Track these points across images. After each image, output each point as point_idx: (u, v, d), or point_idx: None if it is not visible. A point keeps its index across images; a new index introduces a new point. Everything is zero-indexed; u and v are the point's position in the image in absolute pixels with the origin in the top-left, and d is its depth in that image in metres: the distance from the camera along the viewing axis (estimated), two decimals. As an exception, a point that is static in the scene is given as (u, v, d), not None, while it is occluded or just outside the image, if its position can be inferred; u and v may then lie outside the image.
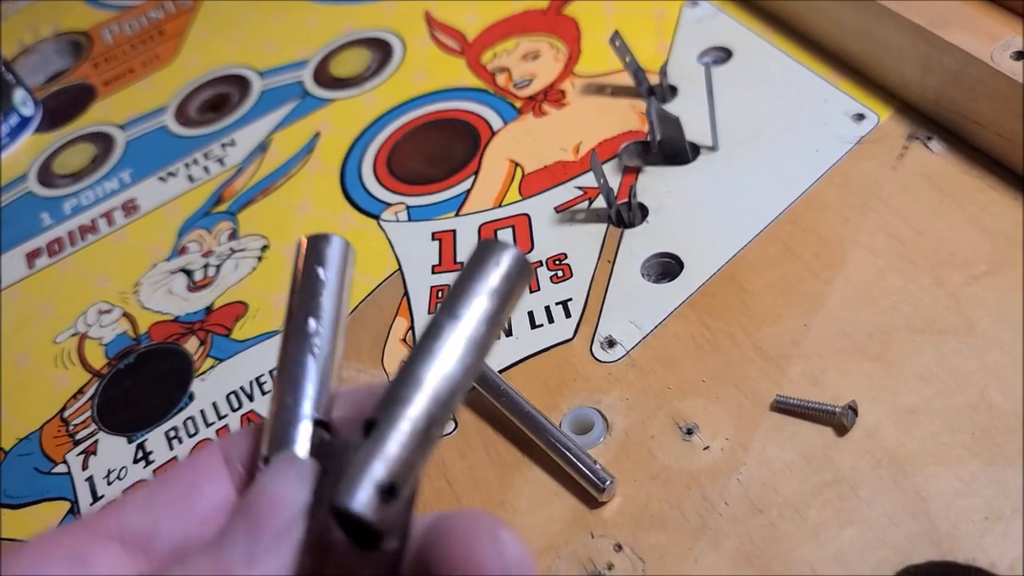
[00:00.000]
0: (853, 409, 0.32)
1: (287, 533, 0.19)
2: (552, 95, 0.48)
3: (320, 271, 0.22)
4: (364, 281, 0.42)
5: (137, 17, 0.64)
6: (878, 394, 0.33)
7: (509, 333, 0.38)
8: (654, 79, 0.46)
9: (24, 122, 0.57)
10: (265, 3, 0.61)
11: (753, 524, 0.31)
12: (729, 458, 0.33)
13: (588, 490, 0.33)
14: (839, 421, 0.32)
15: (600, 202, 0.42)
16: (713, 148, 0.43)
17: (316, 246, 0.23)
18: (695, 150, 0.43)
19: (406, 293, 0.41)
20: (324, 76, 0.54)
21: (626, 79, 0.47)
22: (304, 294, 0.22)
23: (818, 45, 0.46)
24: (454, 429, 0.36)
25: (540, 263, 0.41)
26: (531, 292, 0.40)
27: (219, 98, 0.55)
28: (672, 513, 0.32)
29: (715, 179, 0.42)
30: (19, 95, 0.57)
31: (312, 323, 0.22)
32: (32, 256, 0.49)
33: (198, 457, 0.23)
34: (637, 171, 0.43)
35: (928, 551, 0.29)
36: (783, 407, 0.34)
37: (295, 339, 0.22)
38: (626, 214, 0.41)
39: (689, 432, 0.34)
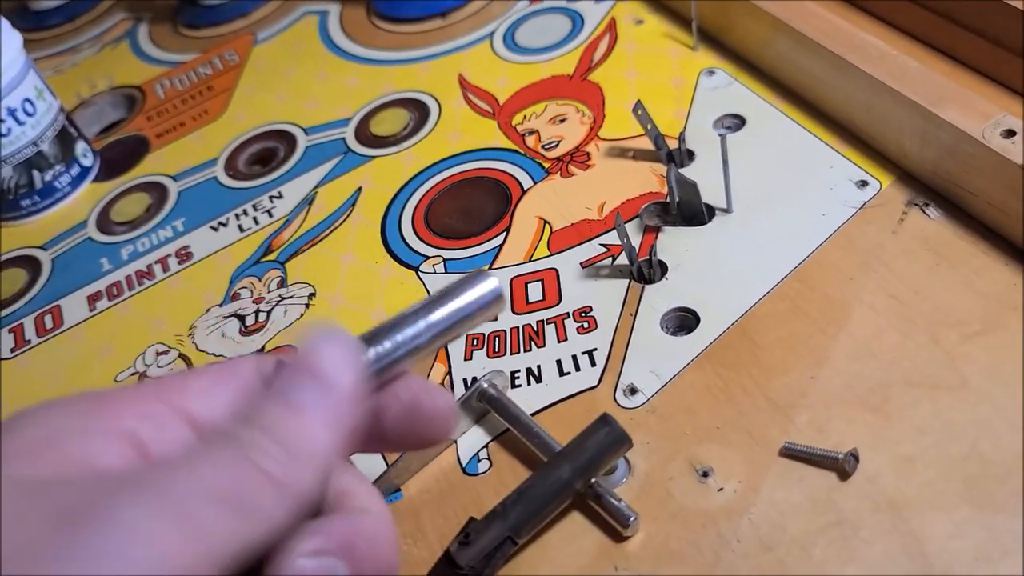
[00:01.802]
0: (855, 456, 0.36)
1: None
2: (578, 157, 0.52)
3: (460, 295, 0.26)
4: (404, 328, 0.46)
5: (187, 73, 0.68)
6: (878, 443, 0.36)
7: (539, 380, 0.42)
8: (673, 144, 0.50)
9: (84, 172, 0.61)
10: (308, 62, 0.65)
11: (763, 561, 0.34)
12: (741, 499, 0.36)
13: (613, 526, 0.36)
14: (842, 467, 0.36)
15: (623, 259, 0.46)
16: (727, 210, 0.46)
17: (472, 278, 0.27)
18: (711, 212, 0.46)
19: (443, 341, 0.45)
20: (365, 134, 0.58)
21: (647, 143, 0.50)
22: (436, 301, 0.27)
23: (825, 115, 0.49)
24: (489, 468, 0.40)
25: (567, 315, 0.44)
26: (559, 342, 0.43)
27: (266, 152, 0.59)
28: (689, 549, 0.35)
29: (729, 239, 0.45)
30: (80, 147, 0.61)
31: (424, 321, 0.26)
32: (93, 299, 0.53)
33: (239, 363, 0.26)
34: (657, 230, 0.47)
35: (923, 588, 0.32)
36: (791, 453, 0.37)
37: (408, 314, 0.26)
38: (647, 270, 0.45)
39: (705, 474, 0.37)
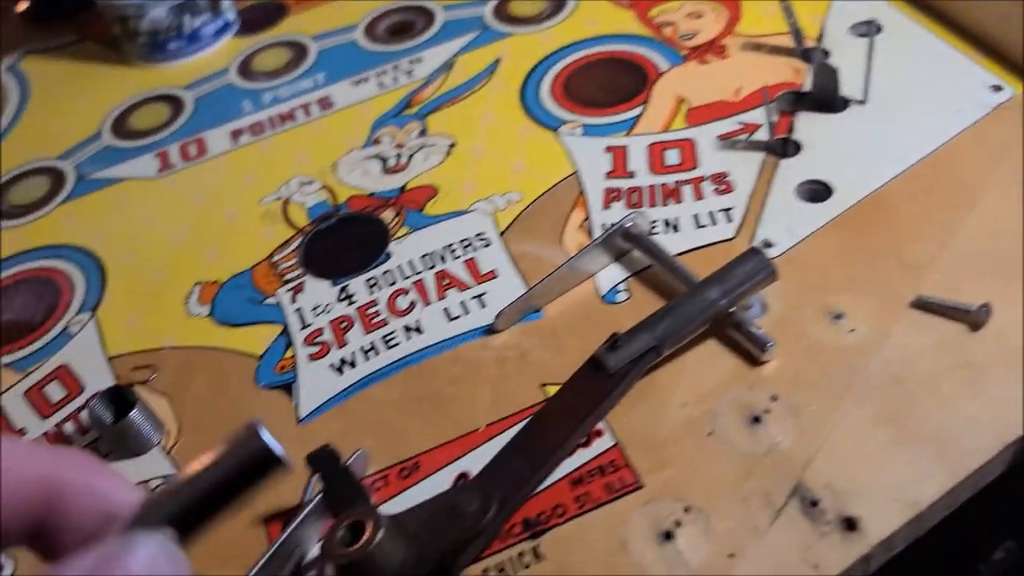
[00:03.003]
0: (987, 309, 0.38)
1: None
2: (715, 48, 0.54)
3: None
4: (542, 178, 0.48)
5: (322, -48, 0.71)
6: (1008, 304, 0.38)
7: (676, 230, 0.44)
8: (810, 44, 0.52)
9: (226, 26, 0.64)
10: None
11: (892, 392, 0.37)
12: (872, 340, 0.38)
13: (750, 351, 0.39)
14: (973, 319, 0.38)
15: (759, 135, 0.48)
16: (863, 102, 0.48)
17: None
18: (844, 103, 0.49)
19: (582, 191, 0.47)
20: (503, 13, 0.60)
21: (782, 41, 0.53)
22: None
23: (962, 27, 0.51)
24: (627, 299, 0.42)
25: (704, 178, 0.47)
26: (696, 200, 0.45)
27: (403, 24, 0.62)
28: (821, 378, 0.38)
29: (863, 126, 0.47)
30: (225, 2, 0.64)
31: None
32: (236, 134, 0.56)
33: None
34: (791, 115, 0.49)
35: (1046, 426, 0.35)
36: (922, 305, 0.39)
37: None
38: (783, 147, 0.47)
39: (837, 317, 0.39)
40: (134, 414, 0.40)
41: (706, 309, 0.38)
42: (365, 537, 0.33)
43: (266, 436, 0.22)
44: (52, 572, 0.20)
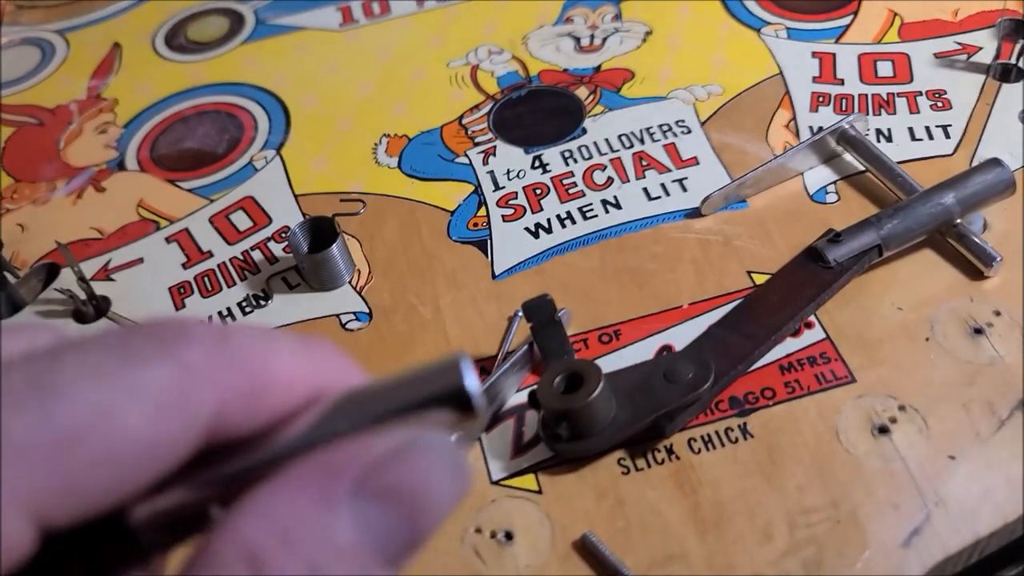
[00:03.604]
0: None
1: None
2: (929, -33, 0.52)
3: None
4: (744, 75, 0.47)
5: None
6: None
7: (890, 140, 0.43)
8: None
9: None
10: None
11: (1125, 322, 0.35)
12: (1104, 270, 0.37)
13: (972, 265, 0.37)
14: None
15: (979, 58, 0.46)
16: (1093, 37, 0.46)
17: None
18: (1071, 36, 0.47)
19: (788, 92, 0.46)
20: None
21: (1004, -32, 0.50)
22: None
23: None
24: (837, 200, 0.41)
25: (919, 93, 0.45)
26: (911, 113, 0.44)
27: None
28: (1048, 299, 0.37)
29: (1093, 61, 0.45)
30: None
31: None
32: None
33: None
34: (1012, 43, 0.47)
35: None
36: None
37: None
38: (1005, 73, 0.45)
39: (1066, 244, 0.38)
40: (336, 246, 0.40)
41: (938, 214, 0.37)
42: (587, 387, 0.33)
43: (469, 377, 0.16)
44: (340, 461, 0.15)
